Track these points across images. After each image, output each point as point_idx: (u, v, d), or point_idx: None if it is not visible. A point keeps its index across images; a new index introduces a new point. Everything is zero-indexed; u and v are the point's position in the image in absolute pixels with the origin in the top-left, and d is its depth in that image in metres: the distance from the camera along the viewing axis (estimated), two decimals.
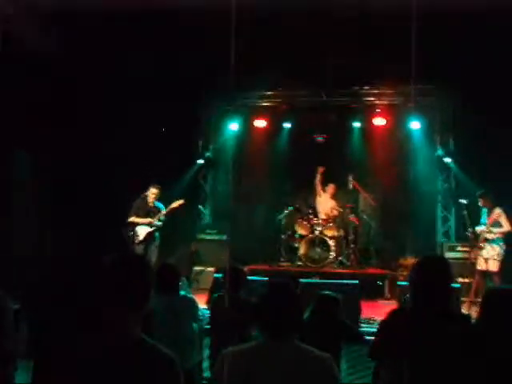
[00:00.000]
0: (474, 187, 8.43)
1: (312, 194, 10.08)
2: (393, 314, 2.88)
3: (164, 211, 8.20)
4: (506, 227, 7.21)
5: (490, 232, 7.26)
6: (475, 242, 7.41)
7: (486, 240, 7.27)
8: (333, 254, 9.14)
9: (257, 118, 10.59)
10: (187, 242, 9.87)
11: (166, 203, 8.38)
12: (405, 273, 8.97)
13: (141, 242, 8.15)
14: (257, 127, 10.66)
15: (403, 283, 6.70)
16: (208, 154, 10.81)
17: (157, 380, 1.76)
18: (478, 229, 7.44)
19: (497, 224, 7.28)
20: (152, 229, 8.19)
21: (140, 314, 1.86)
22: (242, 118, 10.61)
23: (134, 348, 1.79)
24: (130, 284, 1.85)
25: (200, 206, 10.92)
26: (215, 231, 9.97)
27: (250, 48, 8.80)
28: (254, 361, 2.12)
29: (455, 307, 6.00)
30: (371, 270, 9.29)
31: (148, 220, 8.15)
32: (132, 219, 8.16)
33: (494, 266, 7.13)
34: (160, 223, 8.25)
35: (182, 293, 4.27)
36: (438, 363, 2.62)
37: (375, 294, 8.41)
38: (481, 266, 7.28)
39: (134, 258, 2.05)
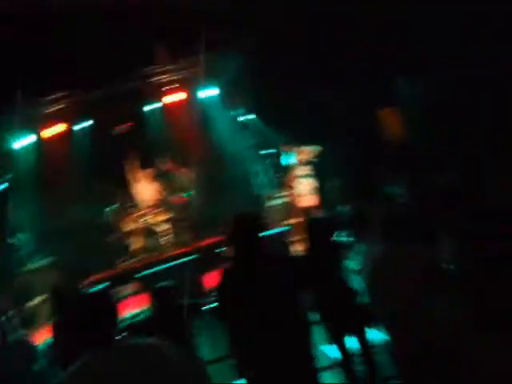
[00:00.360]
0: (276, 137, 8.92)
1: (128, 187, 9.78)
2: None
3: None
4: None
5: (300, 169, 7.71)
6: (287, 183, 7.83)
7: (297, 177, 7.69)
8: (168, 238, 9.03)
9: (49, 126, 9.80)
10: (6, 280, 8.85)
11: None
12: None
13: None
14: (51, 135, 9.88)
15: None
16: (7, 178, 9.74)
17: None
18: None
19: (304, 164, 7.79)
20: None
21: None
22: (32, 129, 9.74)
23: None
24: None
25: (10, 239, 9.82)
26: (37, 258, 9.13)
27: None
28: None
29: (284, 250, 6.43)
30: (209, 241, 9.36)
31: None
32: None
33: (311, 201, 7.60)
34: None
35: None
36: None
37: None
38: (300, 203, 7.72)
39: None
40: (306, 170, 7.78)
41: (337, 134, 9.15)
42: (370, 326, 3.93)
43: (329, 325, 4.00)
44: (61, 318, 4.12)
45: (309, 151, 7.83)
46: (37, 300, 8.48)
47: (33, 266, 9.04)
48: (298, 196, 7.79)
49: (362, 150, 9.16)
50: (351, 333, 4.00)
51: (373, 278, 2.95)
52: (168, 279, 5.17)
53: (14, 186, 9.89)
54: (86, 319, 2.14)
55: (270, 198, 9.37)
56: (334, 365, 4.19)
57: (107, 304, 2.23)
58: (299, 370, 2.74)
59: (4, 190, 9.72)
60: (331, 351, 4.22)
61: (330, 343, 4.13)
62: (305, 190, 7.72)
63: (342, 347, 4.01)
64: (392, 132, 9.59)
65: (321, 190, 7.96)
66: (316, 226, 4.18)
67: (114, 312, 2.22)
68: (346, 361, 4.04)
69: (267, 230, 3.18)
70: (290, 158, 7.97)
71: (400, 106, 9.75)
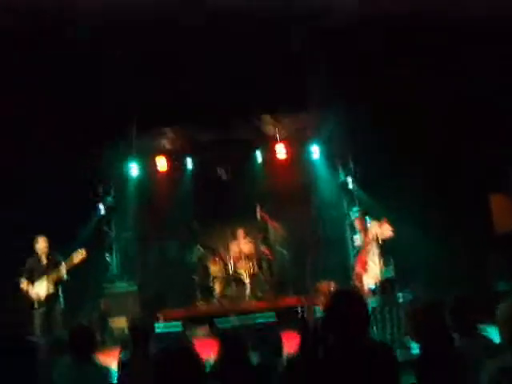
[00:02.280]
0: (377, 207, 8.67)
1: (221, 232, 9.91)
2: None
3: (64, 265, 7.13)
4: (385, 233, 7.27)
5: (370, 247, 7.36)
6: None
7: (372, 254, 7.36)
8: (248, 290, 8.93)
9: (157, 159, 10.24)
10: (95, 297, 9.20)
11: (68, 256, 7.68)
12: (322, 298, 8.94)
13: (40, 304, 7.02)
14: (158, 168, 10.32)
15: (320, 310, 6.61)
16: (110, 199, 10.27)
17: None
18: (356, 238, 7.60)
19: (375, 240, 7.39)
20: (53, 289, 7.07)
21: None
22: (142, 160, 10.25)
23: None
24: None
25: (107, 255, 10.30)
26: (124, 281, 9.44)
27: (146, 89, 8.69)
28: None
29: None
30: (289, 301, 9.15)
31: (52, 277, 7.04)
32: (24, 285, 7.05)
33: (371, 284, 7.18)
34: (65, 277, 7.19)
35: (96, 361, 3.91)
36: None
37: (296, 323, 8.25)
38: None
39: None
40: (379, 248, 7.37)
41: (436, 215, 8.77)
42: None
43: None
44: (129, 358, 4.04)
45: (387, 228, 7.39)
46: (116, 322, 8.69)
47: (118, 289, 9.29)
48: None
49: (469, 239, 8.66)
50: None
51: None
52: (243, 333, 5.03)
53: (117, 208, 10.37)
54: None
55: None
56: None
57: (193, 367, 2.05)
58: None
59: (108, 209, 10.18)
60: None
61: None
62: (373, 271, 7.26)
63: None
64: (503, 220, 8.96)
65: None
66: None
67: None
68: None
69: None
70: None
71: None
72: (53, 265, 7.22)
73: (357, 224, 7.54)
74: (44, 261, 7.25)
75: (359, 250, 7.60)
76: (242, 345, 3.82)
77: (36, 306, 7.05)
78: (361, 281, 7.41)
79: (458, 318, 3.70)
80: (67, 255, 7.31)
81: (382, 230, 7.12)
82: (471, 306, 3.85)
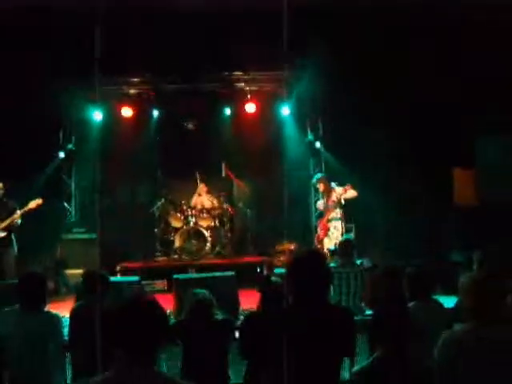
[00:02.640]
0: (342, 170, 8.70)
1: (184, 184, 9.75)
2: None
3: (18, 212, 7.08)
4: (350, 194, 7.40)
5: (333, 212, 7.47)
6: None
7: (329, 221, 7.48)
8: (209, 245, 8.90)
9: (123, 106, 9.92)
10: (51, 244, 9.02)
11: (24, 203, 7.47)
12: (282, 258, 9.02)
13: None
14: (123, 116, 9.98)
15: (280, 270, 6.64)
16: (70, 147, 9.94)
17: None
18: (320, 203, 7.71)
19: (338, 205, 7.51)
20: (4, 233, 7.05)
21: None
22: (106, 106, 9.88)
23: None
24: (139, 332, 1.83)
25: (65, 204, 10.05)
26: (83, 229, 9.25)
27: (114, 33, 8.33)
28: None
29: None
30: (249, 258, 9.20)
31: (8, 221, 6.98)
32: None
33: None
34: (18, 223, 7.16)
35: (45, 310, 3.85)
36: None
37: (254, 282, 8.30)
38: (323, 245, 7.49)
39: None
40: (341, 213, 7.51)
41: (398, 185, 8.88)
42: None
43: None
44: (83, 308, 3.96)
45: (350, 193, 7.50)
46: (71, 271, 8.57)
47: (76, 236, 9.12)
48: (328, 238, 7.49)
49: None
50: None
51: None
52: (202, 288, 5.00)
53: (77, 154, 10.06)
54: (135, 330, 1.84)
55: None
56: None
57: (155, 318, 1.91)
58: None
59: (68, 155, 9.86)
60: None
61: None
62: (335, 234, 7.43)
63: None
64: (464, 194, 9.14)
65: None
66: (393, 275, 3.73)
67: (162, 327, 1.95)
68: None
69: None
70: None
71: (478, 167, 9.33)
72: (7, 210, 7.13)
73: (320, 186, 7.59)
74: None
75: (322, 214, 7.67)
76: (208, 303, 3.82)
77: None
78: (322, 244, 7.51)
79: (414, 285, 3.77)
80: (23, 202, 7.22)
81: (346, 193, 7.19)
82: (427, 274, 3.93)
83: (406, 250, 8.60)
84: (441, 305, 3.92)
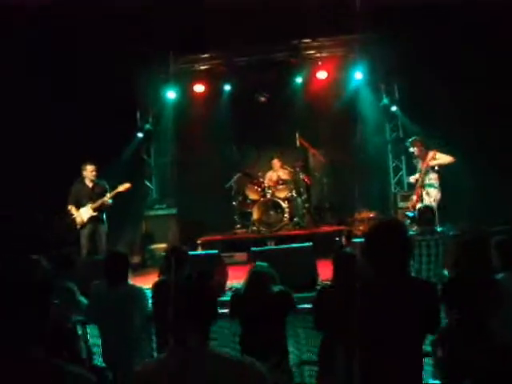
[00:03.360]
0: (421, 134, 8.29)
1: (259, 157, 9.79)
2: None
3: (106, 198, 7.54)
4: (444, 159, 7.03)
5: (426, 177, 7.09)
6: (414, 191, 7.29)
7: (422, 186, 7.11)
8: (287, 216, 8.91)
9: (195, 83, 10.07)
10: (136, 221, 9.45)
11: (110, 185, 7.83)
12: (361, 227, 8.88)
13: (84, 225, 7.50)
14: (196, 93, 10.16)
15: (359, 239, 6.52)
16: (148, 127, 10.25)
17: None
18: (413, 178, 7.35)
19: (431, 169, 7.12)
20: (95, 213, 7.51)
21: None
22: (179, 84, 10.08)
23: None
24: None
25: (147, 182, 10.45)
26: (164, 206, 9.60)
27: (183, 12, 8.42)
28: (166, 378, 1.80)
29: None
30: (327, 228, 9.12)
31: (99, 202, 7.48)
32: (70, 208, 7.50)
33: None
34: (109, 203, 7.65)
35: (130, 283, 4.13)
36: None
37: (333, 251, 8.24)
38: None
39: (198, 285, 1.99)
40: (436, 178, 7.09)
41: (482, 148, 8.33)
42: None
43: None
44: (163, 282, 4.13)
45: (444, 158, 7.10)
46: (155, 246, 8.96)
47: (158, 212, 9.48)
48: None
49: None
50: None
51: None
52: (277, 260, 5.02)
53: (155, 134, 10.37)
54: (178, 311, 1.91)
55: (404, 198, 8.83)
56: None
57: (207, 297, 1.96)
58: None
59: (146, 135, 10.20)
60: None
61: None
62: (426, 202, 7.04)
63: None
64: None
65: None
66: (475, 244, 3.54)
67: (212, 307, 1.98)
68: None
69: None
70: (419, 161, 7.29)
71: None
72: (98, 191, 7.65)
73: (415, 149, 7.25)
74: (90, 186, 7.66)
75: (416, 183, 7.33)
76: (264, 276, 3.83)
77: (79, 227, 7.52)
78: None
79: (504, 254, 3.55)
80: (110, 182, 7.74)
81: (439, 158, 6.88)
82: None
83: (494, 217, 8.14)
84: None
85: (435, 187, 7.08)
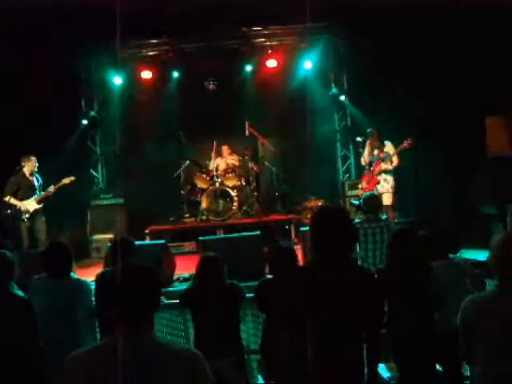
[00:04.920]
0: (368, 124, 8.42)
1: (208, 145, 9.67)
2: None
3: (50, 190, 7.49)
4: (395, 161, 7.24)
5: (383, 164, 7.23)
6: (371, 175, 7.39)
7: (380, 172, 7.23)
8: (236, 205, 8.87)
9: (142, 69, 9.81)
10: (81, 210, 9.17)
11: (53, 174, 7.75)
12: (309, 215, 8.94)
13: (28, 219, 7.40)
14: (143, 79, 9.90)
15: (307, 228, 6.55)
16: (93, 113, 9.91)
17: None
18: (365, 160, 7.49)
19: (387, 157, 7.27)
20: (40, 206, 7.47)
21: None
22: (126, 70, 9.81)
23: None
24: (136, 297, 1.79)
25: (92, 171, 10.14)
26: (110, 195, 9.35)
27: None
28: (97, 365, 1.72)
29: None
30: (276, 217, 9.14)
31: (44, 194, 7.46)
32: (9, 199, 7.32)
33: (387, 200, 7.11)
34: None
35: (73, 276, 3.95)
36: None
37: (283, 240, 8.27)
38: None
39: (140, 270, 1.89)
40: (390, 166, 7.24)
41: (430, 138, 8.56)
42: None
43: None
44: (107, 274, 3.99)
45: (392, 147, 7.29)
46: (101, 236, 8.74)
47: (103, 201, 9.24)
48: (376, 191, 7.23)
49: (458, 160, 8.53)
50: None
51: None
52: (225, 249, 4.98)
53: (100, 121, 10.05)
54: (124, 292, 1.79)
55: (352, 186, 8.97)
56: None
57: (151, 283, 1.87)
58: None
59: (91, 122, 9.87)
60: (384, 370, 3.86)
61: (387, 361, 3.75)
62: (385, 187, 7.19)
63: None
64: (498, 143, 8.78)
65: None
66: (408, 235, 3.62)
67: (156, 293, 1.92)
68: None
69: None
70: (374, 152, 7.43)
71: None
72: (38, 184, 7.54)
73: (372, 139, 7.36)
74: (30, 179, 7.50)
75: (367, 168, 7.43)
76: (217, 264, 3.77)
77: (24, 218, 7.39)
78: None
79: (435, 247, 3.67)
80: (53, 171, 7.74)
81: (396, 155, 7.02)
82: (445, 235, 3.83)
83: (438, 204, 8.41)
84: (464, 263, 3.85)
85: (392, 175, 7.24)
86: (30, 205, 7.38)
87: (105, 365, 1.70)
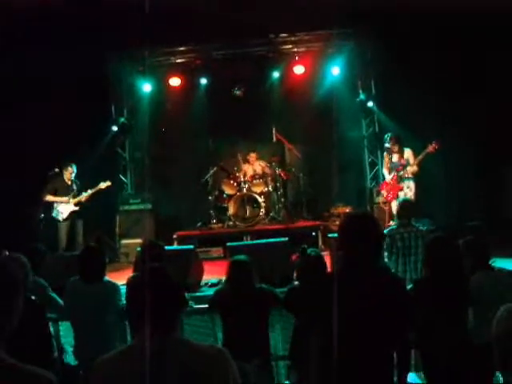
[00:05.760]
0: (397, 130, 8.35)
1: (235, 151, 9.73)
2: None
3: (88, 194, 7.82)
4: (415, 169, 7.12)
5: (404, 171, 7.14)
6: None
7: (402, 179, 7.14)
8: (263, 211, 8.88)
9: (171, 76, 9.95)
10: (111, 215, 9.31)
11: (84, 178, 8.01)
12: (337, 222, 8.89)
13: (64, 219, 7.75)
14: (172, 86, 10.03)
15: (334, 234, 6.51)
16: (122, 120, 10.08)
17: None
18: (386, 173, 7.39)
19: (408, 164, 7.18)
20: (77, 208, 7.80)
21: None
22: (155, 77, 9.96)
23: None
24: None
25: (121, 176, 10.29)
26: (139, 200, 9.46)
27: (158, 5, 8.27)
28: (124, 369, 1.74)
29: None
30: (303, 223, 9.11)
31: (81, 197, 7.80)
32: (49, 198, 7.73)
33: None
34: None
35: (106, 279, 4.00)
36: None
37: (310, 246, 8.22)
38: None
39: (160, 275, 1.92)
40: (414, 172, 7.14)
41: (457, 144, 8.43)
42: None
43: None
44: (137, 280, 4.03)
45: (412, 154, 7.19)
46: (130, 241, 8.85)
47: (132, 207, 9.36)
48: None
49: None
50: None
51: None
52: (252, 255, 4.98)
53: (130, 127, 10.20)
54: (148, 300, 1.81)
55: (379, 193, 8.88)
56: None
57: (170, 290, 1.90)
58: None
59: (120, 128, 10.03)
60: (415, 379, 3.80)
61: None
62: (408, 194, 7.08)
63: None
64: None
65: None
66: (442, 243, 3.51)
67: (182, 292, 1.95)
68: None
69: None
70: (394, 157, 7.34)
71: None
72: (76, 188, 7.90)
73: (392, 146, 7.28)
74: (69, 183, 7.89)
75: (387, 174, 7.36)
76: (247, 270, 3.77)
77: (61, 219, 7.77)
78: (390, 206, 7.28)
79: (473, 254, 3.59)
80: (84, 176, 8.07)
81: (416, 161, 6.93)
82: (483, 244, 3.73)
83: (468, 211, 8.26)
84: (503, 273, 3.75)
85: (414, 181, 7.15)
86: (68, 205, 7.73)
87: (132, 366, 1.72)
